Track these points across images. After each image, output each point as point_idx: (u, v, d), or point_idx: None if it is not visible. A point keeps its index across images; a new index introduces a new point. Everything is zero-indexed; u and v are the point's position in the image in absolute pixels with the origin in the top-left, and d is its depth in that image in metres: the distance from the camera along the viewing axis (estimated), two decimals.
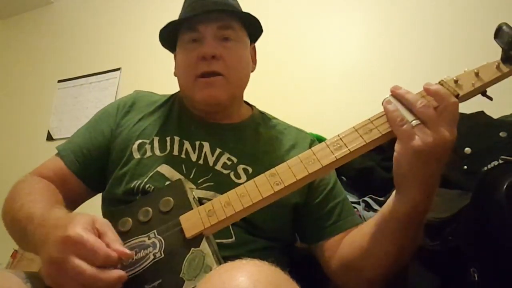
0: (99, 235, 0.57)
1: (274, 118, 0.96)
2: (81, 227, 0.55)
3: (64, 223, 0.57)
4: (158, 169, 0.78)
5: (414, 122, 0.57)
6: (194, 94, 0.83)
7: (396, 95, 0.61)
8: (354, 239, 0.72)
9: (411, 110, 0.59)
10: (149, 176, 0.77)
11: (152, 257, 0.62)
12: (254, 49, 0.96)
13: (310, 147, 0.87)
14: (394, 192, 0.63)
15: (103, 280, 0.53)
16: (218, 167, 0.80)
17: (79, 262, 0.52)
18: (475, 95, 0.64)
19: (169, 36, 0.88)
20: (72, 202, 0.77)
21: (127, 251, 0.57)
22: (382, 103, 0.62)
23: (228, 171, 0.79)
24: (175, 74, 0.89)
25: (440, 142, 0.56)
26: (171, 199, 0.68)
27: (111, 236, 0.58)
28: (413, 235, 0.63)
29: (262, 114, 0.96)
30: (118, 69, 2.25)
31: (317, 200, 0.82)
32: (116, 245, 0.56)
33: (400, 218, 0.60)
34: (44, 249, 0.56)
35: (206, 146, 0.82)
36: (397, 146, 0.58)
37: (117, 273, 0.55)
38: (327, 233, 0.79)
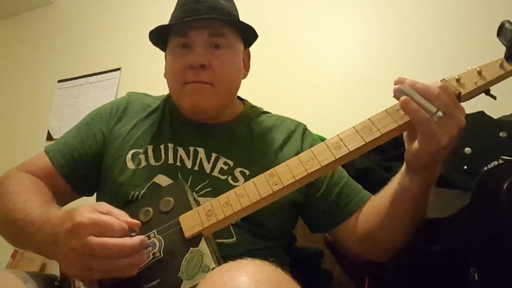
0: (105, 214, 0.60)
1: (265, 111, 0.96)
2: (86, 212, 0.58)
3: (67, 216, 0.58)
4: (155, 179, 0.78)
5: (439, 114, 0.56)
6: (181, 100, 0.82)
7: (408, 85, 0.59)
8: (370, 217, 0.76)
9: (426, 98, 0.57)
10: (146, 187, 0.77)
11: (151, 256, 0.62)
12: (248, 54, 0.93)
13: (303, 137, 0.88)
14: (403, 172, 0.66)
15: (128, 245, 0.56)
16: (215, 173, 0.79)
17: (99, 238, 0.55)
18: (478, 94, 0.63)
19: (160, 37, 0.86)
20: (59, 201, 0.77)
21: (135, 220, 0.61)
22: (395, 96, 0.59)
23: (226, 176, 0.79)
24: (165, 76, 0.87)
25: (460, 127, 0.58)
26: (171, 199, 0.68)
27: (117, 212, 0.61)
28: (426, 202, 0.68)
29: (254, 108, 0.95)
30: (118, 69, 2.25)
31: (321, 191, 0.82)
32: (125, 218, 0.60)
33: (416, 194, 0.65)
34: (57, 247, 0.58)
35: (201, 152, 0.82)
36: (421, 145, 0.59)
37: (139, 237, 0.59)
38: (341, 217, 0.80)
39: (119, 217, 0.60)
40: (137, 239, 0.58)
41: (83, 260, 0.56)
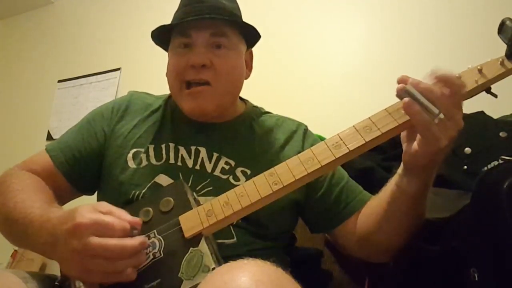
0: (106, 214, 0.59)
1: (266, 111, 0.96)
2: (87, 212, 0.57)
3: (68, 217, 0.58)
4: (156, 179, 0.78)
5: (440, 116, 0.56)
6: (181, 102, 0.82)
7: (412, 85, 0.58)
8: (368, 218, 0.76)
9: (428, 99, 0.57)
10: (147, 186, 0.77)
11: (151, 256, 0.62)
12: (250, 54, 0.93)
13: (304, 137, 0.88)
14: (400, 173, 0.66)
15: (129, 246, 0.56)
16: (217, 172, 0.79)
17: (100, 239, 0.55)
18: (479, 92, 0.63)
19: (162, 36, 0.86)
20: (59, 199, 0.77)
21: (137, 218, 0.61)
22: (398, 95, 0.59)
23: (227, 176, 0.79)
24: (167, 75, 0.87)
25: (459, 129, 0.58)
26: (171, 199, 0.68)
27: (117, 212, 0.60)
28: (424, 202, 0.68)
29: (255, 108, 0.95)
30: (118, 69, 2.25)
31: (321, 191, 0.82)
32: (125, 217, 0.60)
33: (414, 195, 0.65)
34: (58, 247, 0.58)
35: (203, 151, 0.82)
36: (421, 147, 0.59)
37: (139, 238, 0.58)
38: (341, 218, 0.80)
39: (120, 216, 0.59)
40: (137, 240, 0.58)
41: (83, 261, 0.55)
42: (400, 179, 0.66)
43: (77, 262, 0.56)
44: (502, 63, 0.62)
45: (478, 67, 0.63)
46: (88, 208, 0.59)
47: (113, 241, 0.55)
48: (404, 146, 0.64)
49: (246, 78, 0.91)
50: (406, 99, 0.57)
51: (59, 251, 0.58)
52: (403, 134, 0.64)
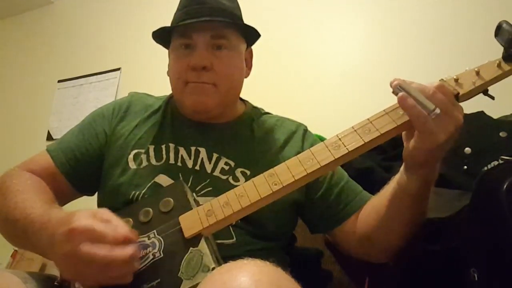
0: (104, 222, 0.58)
1: (266, 112, 0.96)
2: (84, 218, 0.57)
3: (66, 220, 0.58)
4: (156, 179, 0.78)
5: (436, 111, 0.56)
6: (184, 99, 0.83)
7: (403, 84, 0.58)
8: (369, 217, 0.76)
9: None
10: (147, 187, 0.77)
11: (151, 256, 0.62)
12: (250, 53, 0.94)
13: (303, 138, 0.88)
14: (402, 171, 0.66)
15: (118, 257, 0.55)
16: (216, 173, 0.79)
17: (90, 248, 0.54)
18: (476, 94, 0.64)
19: (163, 36, 0.87)
20: (59, 200, 0.77)
21: (132, 234, 0.59)
22: (393, 91, 0.59)
23: (227, 176, 0.79)
24: (168, 74, 0.88)
25: (458, 125, 0.58)
26: (171, 199, 0.68)
27: (115, 222, 0.59)
28: (426, 202, 0.68)
29: (255, 109, 0.95)
30: (118, 69, 2.25)
31: (321, 191, 0.82)
32: (122, 229, 0.58)
33: (414, 193, 0.65)
34: (54, 249, 0.58)
35: (203, 152, 0.82)
36: (418, 142, 0.58)
37: (130, 249, 0.57)
38: (341, 218, 0.80)
39: (116, 227, 0.58)
40: (128, 251, 0.56)
41: (76, 266, 0.55)
42: (401, 177, 0.66)
43: (70, 266, 0.56)
44: (499, 65, 0.63)
45: (476, 69, 0.63)
46: (87, 213, 0.58)
47: (102, 251, 0.54)
48: (404, 144, 0.64)
49: (246, 77, 0.91)
50: (401, 93, 0.57)
51: (55, 253, 0.58)
52: (404, 133, 0.64)
